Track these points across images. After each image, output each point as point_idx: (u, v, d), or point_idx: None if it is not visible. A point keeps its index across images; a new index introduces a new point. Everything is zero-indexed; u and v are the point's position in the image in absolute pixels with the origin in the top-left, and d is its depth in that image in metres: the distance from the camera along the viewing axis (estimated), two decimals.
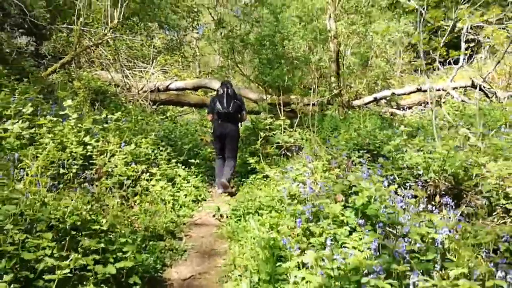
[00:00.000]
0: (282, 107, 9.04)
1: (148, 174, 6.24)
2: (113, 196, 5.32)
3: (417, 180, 4.65)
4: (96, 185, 5.65)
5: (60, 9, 14.79)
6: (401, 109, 13.08)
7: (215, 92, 7.68)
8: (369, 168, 4.98)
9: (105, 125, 6.77)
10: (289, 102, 10.95)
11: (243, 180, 7.73)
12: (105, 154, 6.14)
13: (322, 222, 3.67)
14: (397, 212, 3.55)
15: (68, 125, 6.12)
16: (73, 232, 3.51)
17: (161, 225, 5.02)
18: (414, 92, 12.64)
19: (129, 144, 6.69)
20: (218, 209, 5.49)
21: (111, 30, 13.20)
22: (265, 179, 6.83)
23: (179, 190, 6.49)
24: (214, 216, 5.52)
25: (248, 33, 10.68)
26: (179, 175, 6.83)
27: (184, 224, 5.55)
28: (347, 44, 15.42)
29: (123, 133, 7.08)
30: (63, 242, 3.26)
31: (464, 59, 10.38)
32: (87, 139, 6.12)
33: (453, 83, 10.51)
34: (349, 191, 4.15)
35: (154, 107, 12.46)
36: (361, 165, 5.53)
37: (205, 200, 6.92)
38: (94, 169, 5.77)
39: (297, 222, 3.92)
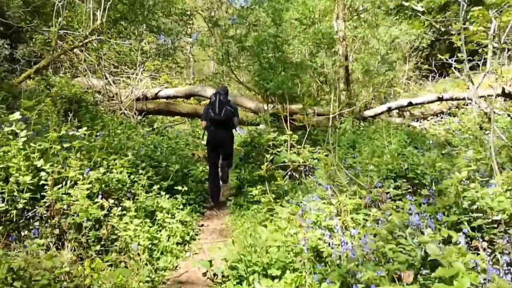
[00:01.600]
0: (287, 118, 7.53)
1: (120, 209, 4.69)
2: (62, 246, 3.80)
3: (505, 235, 3.14)
4: (46, 227, 4.13)
5: (38, 10, 13.28)
6: (416, 120, 11.62)
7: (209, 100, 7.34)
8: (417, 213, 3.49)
9: (70, 143, 5.20)
10: (292, 112, 9.46)
11: (241, 210, 6.17)
12: (62, 184, 4.60)
13: None
14: None
15: (14, 146, 4.56)
16: None
17: None
18: (434, 101, 11.21)
19: (98, 168, 5.15)
20: (210, 264, 3.92)
21: (94, 32, 11.68)
22: (270, 212, 5.30)
23: (160, 229, 4.94)
24: (205, 274, 3.96)
25: (245, 34, 9.19)
26: (162, 208, 5.28)
27: (164, 283, 4.00)
28: (351, 49, 13.97)
29: (93, 153, 5.54)
30: None
31: (491, 63, 8.89)
32: (39, 163, 4.58)
33: (479, 90, 9.07)
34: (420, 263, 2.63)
35: (140, 117, 10.90)
36: (399, 200, 4.07)
37: (194, 239, 5.37)
38: (45, 206, 4.22)
39: None
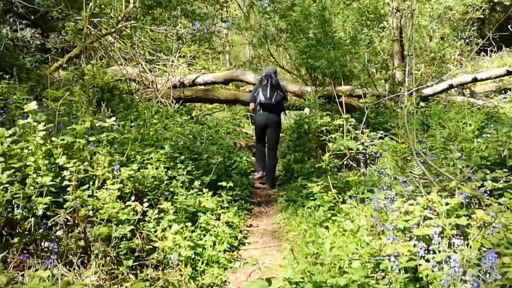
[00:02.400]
0: (339, 100, 6.59)
1: (156, 211, 3.96)
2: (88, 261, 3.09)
3: None
4: (68, 238, 3.44)
5: None
6: (479, 98, 10.41)
7: (258, 81, 7.26)
8: None
9: (99, 136, 4.49)
10: (339, 94, 8.53)
11: (295, 207, 5.31)
12: (89, 184, 3.90)
13: None
14: None
15: (32, 141, 3.88)
16: None
17: None
18: (503, 75, 9.96)
19: (131, 164, 4.44)
20: (269, 283, 3.13)
21: (127, 17, 11.03)
22: (332, 211, 4.45)
23: (204, 233, 4.17)
24: None
25: (290, 7, 8.23)
26: (205, 208, 4.51)
27: None
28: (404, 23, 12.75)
29: (126, 146, 4.84)
30: None
31: None
32: (61, 160, 3.88)
33: None
34: None
35: (178, 105, 10.20)
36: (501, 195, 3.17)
37: (243, 243, 4.59)
38: (66, 212, 3.52)
39: None
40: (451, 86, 9.77)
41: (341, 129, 6.18)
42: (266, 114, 6.76)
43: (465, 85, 10.22)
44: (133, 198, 3.95)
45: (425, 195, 3.36)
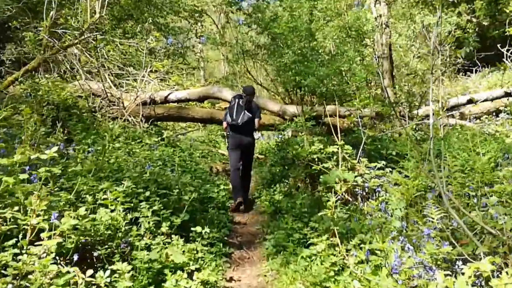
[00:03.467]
0: (336, 124, 5.71)
1: (108, 273, 2.96)
2: None
3: None
4: None
5: (31, 6, 11.68)
6: (468, 120, 9.74)
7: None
8: None
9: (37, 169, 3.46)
10: (333, 114, 7.71)
11: (285, 255, 4.33)
12: (18, 237, 2.90)
13: None
14: None
15: None
16: None
17: None
18: (502, 97, 9.31)
19: (76, 208, 3.44)
20: None
21: (91, 28, 10.01)
22: (334, 266, 3.52)
23: None
24: None
25: (273, 18, 7.35)
26: (174, 263, 3.52)
27: None
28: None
29: (75, 180, 3.85)
30: None
31: None
32: None
33: None
34: None
35: (147, 125, 9.19)
36: None
37: None
38: None
39: None
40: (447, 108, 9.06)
41: (335, 157, 5.29)
42: (235, 135, 6.65)
43: (460, 107, 9.53)
44: (76, 256, 2.96)
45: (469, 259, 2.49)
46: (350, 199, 5.31)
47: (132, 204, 3.93)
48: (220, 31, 19.44)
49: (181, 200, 4.54)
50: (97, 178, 4.38)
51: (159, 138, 7.88)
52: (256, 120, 6.68)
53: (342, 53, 7.38)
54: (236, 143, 6.67)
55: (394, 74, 8.64)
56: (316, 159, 5.35)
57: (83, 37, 9.71)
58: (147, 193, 4.27)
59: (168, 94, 11.14)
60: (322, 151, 5.31)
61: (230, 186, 7.64)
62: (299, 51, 6.75)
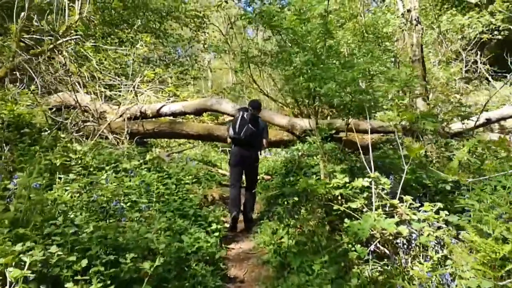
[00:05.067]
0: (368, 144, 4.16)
1: None
2: None
3: None
4: None
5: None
6: (505, 133, 8.13)
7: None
8: None
9: None
10: (357, 130, 6.14)
11: None
12: None
13: None
14: None
15: None
16: None
17: None
18: None
19: None
20: None
21: (69, 31, 8.60)
22: None
23: None
24: None
25: (281, 10, 5.80)
26: None
27: None
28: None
29: None
30: None
31: None
32: None
33: None
34: None
35: (132, 143, 7.69)
36: None
37: None
38: None
39: None
40: (488, 121, 7.44)
41: (365, 193, 3.73)
42: (238, 149, 6.21)
43: (505, 119, 7.86)
44: None
45: None
46: (387, 252, 3.74)
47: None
48: (224, 38, 18.05)
49: (140, 269, 2.99)
50: (17, 236, 2.88)
51: (141, 161, 6.35)
52: (264, 140, 6.28)
53: (367, 53, 5.81)
54: (237, 160, 6.20)
55: (427, 80, 7.06)
56: (339, 197, 3.79)
57: (59, 41, 8.30)
58: (85, 263, 2.74)
59: (161, 107, 9.66)
60: (347, 185, 3.74)
61: (227, 220, 6.17)
62: (312, 52, 5.20)
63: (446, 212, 3.49)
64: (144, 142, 9.44)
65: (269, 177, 9.17)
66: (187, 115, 10.67)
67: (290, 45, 5.75)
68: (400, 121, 4.10)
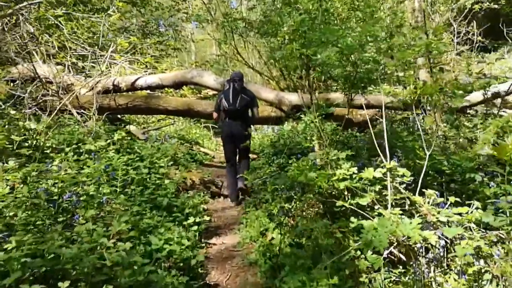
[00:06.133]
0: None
1: None
2: None
3: None
4: None
5: None
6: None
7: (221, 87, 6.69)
8: None
9: None
10: (348, 106, 5.30)
11: None
12: None
13: None
14: None
15: None
16: None
17: None
18: None
19: None
20: None
21: None
22: None
23: None
24: None
25: None
26: None
27: None
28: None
29: None
30: None
31: None
32: None
33: None
34: None
35: (101, 120, 6.78)
36: None
37: None
38: None
39: None
40: (497, 95, 6.66)
41: (377, 186, 2.94)
42: (231, 122, 5.95)
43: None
44: None
45: None
46: (403, 258, 2.99)
47: None
48: (206, 7, 16.95)
49: None
50: None
51: (107, 142, 5.47)
52: (255, 109, 6.02)
53: (370, 13, 4.90)
54: (230, 132, 5.96)
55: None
56: (345, 190, 2.99)
57: (18, 5, 7.24)
58: None
59: (136, 79, 8.72)
60: (355, 177, 2.94)
61: (208, 207, 5.40)
62: (307, 15, 4.30)
63: (480, 211, 2.73)
64: (118, 119, 8.52)
65: (255, 156, 8.36)
66: (166, 89, 9.75)
67: (280, 6, 4.84)
68: (418, 96, 3.28)
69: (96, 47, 10.47)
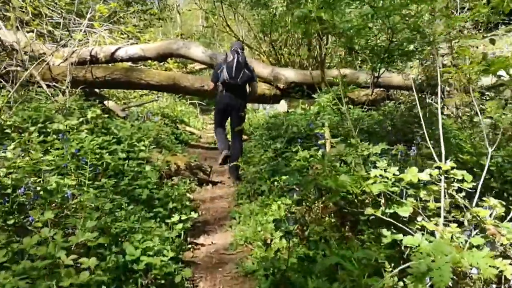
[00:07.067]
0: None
1: None
2: None
3: None
4: None
5: None
6: None
7: (223, 57, 5.80)
8: None
9: None
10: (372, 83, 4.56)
11: None
12: None
13: None
14: None
15: None
16: None
17: None
18: None
19: None
20: None
21: None
22: None
23: None
24: None
25: None
26: None
27: None
28: None
29: None
30: None
31: None
32: None
33: None
34: None
35: (76, 93, 5.93)
36: None
37: None
38: None
39: None
40: None
41: (421, 192, 2.24)
42: (229, 95, 5.63)
43: None
44: None
45: None
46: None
47: None
48: None
49: None
50: None
51: (80, 120, 4.66)
52: (255, 84, 5.79)
53: None
54: (226, 104, 5.64)
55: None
56: (381, 196, 2.28)
57: None
58: None
59: (116, 50, 7.84)
60: (394, 181, 2.23)
61: (195, 197, 4.68)
62: None
63: None
64: (96, 94, 7.63)
65: (246, 137, 7.59)
66: (150, 62, 8.88)
67: None
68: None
69: (74, 13, 9.52)
